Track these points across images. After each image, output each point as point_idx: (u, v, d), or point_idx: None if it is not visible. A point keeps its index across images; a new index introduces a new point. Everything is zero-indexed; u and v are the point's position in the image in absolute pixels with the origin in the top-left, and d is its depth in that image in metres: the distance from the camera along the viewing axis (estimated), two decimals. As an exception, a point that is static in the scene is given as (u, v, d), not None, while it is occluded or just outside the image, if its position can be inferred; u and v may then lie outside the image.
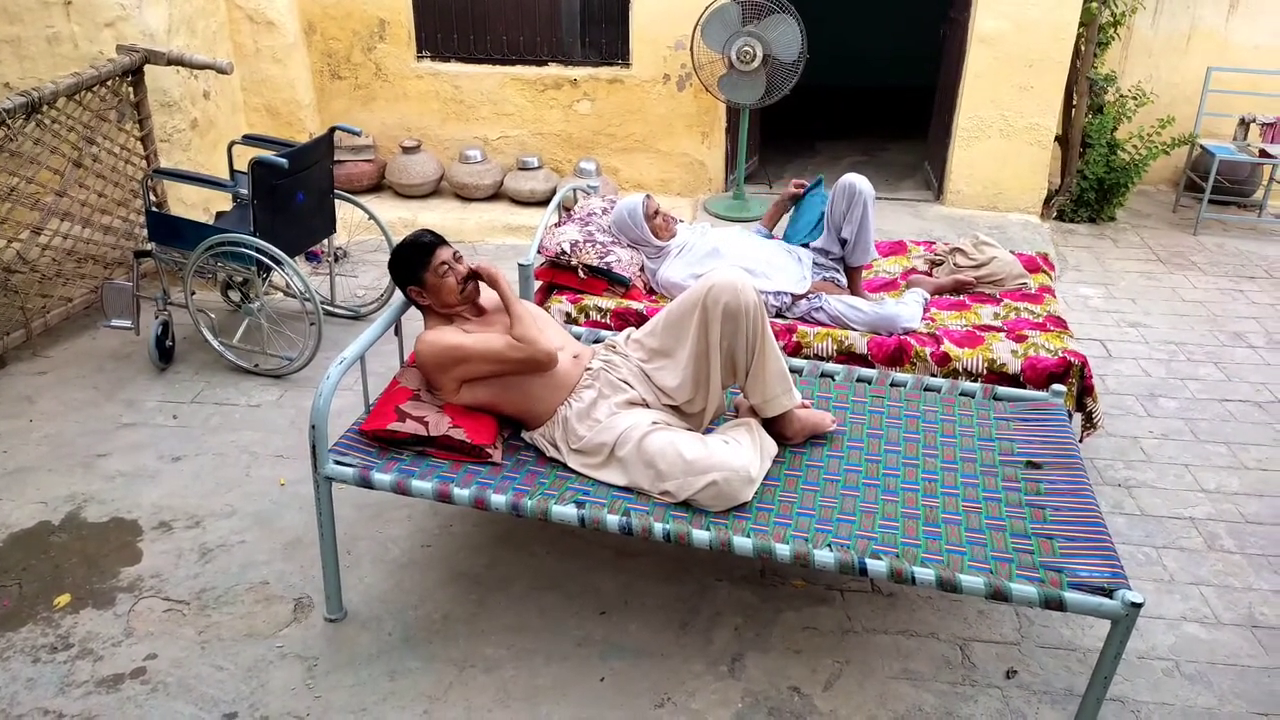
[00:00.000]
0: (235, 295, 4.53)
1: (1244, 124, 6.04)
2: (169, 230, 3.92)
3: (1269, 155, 5.85)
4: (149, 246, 4.02)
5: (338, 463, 2.51)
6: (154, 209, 4.05)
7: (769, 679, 2.54)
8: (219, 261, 3.88)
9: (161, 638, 2.63)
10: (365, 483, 2.47)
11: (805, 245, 3.83)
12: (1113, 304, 4.90)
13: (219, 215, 4.31)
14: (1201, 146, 5.99)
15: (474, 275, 2.74)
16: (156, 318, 4.02)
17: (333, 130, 4.17)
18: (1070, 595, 2.17)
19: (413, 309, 2.85)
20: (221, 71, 4.57)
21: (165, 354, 4.05)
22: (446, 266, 2.70)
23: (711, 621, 2.73)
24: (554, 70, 5.85)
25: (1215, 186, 5.84)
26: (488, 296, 2.84)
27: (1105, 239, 5.79)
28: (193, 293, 3.96)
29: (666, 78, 5.75)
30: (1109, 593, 2.18)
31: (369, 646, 2.61)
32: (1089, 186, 5.89)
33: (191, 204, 4.92)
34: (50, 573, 2.87)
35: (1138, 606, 2.12)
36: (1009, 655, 2.65)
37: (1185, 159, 6.29)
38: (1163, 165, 6.38)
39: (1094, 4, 5.45)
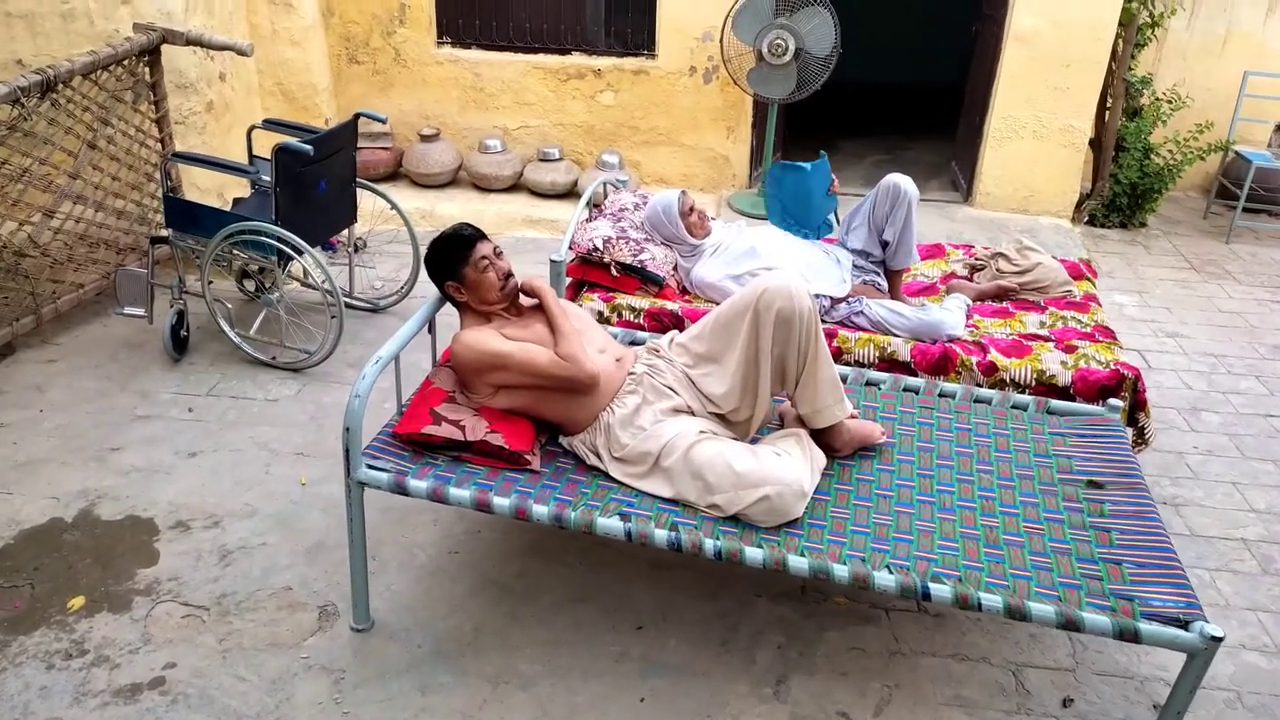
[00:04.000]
0: (251, 285, 4.41)
1: (1279, 130, 5.92)
2: (187, 216, 3.79)
3: (1304, 163, 5.73)
4: (165, 233, 3.89)
5: (370, 467, 2.39)
6: (170, 194, 3.92)
7: (816, 703, 2.43)
8: (238, 250, 3.76)
9: (181, 645, 2.51)
10: (400, 489, 2.35)
11: (843, 245, 3.71)
12: (1148, 312, 4.79)
13: (236, 202, 4.18)
14: (1236, 153, 5.87)
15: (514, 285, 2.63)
16: (171, 306, 3.90)
17: (357, 117, 4.05)
18: (1145, 626, 2.06)
19: (447, 305, 2.73)
20: (241, 53, 4.43)
21: (180, 344, 3.93)
22: (487, 262, 2.58)
23: (753, 640, 2.62)
24: (578, 59, 5.71)
25: (1248, 194, 5.72)
26: (525, 296, 2.72)
27: (1137, 245, 5.68)
28: (210, 281, 3.83)
29: (693, 70, 5.62)
30: (1184, 624, 2.08)
31: (398, 659, 2.50)
32: (1122, 191, 5.77)
33: (206, 189, 4.78)
34: (63, 573, 2.75)
35: (1217, 640, 2.02)
36: (1064, 682, 2.54)
37: (1218, 165, 6.17)
38: (1193, 171, 6.26)
39: (1134, 4, 5.32)
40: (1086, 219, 5.87)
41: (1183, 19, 6.04)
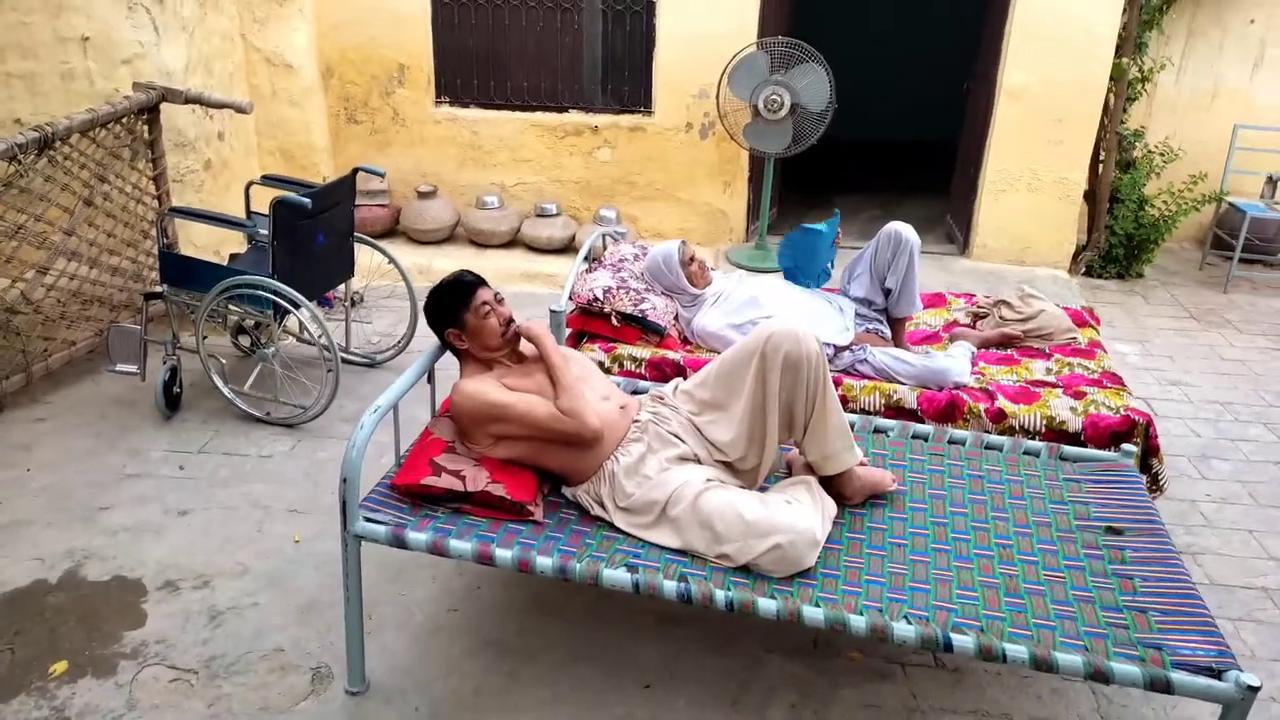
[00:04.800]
0: (246, 341, 4.36)
1: (1271, 182, 5.96)
2: (183, 271, 3.75)
3: (1297, 213, 5.77)
4: (160, 288, 3.85)
5: (368, 520, 2.31)
6: (166, 249, 3.88)
7: (833, 764, 2.32)
8: (234, 304, 3.71)
9: (168, 711, 2.40)
10: (399, 542, 2.27)
11: (845, 294, 3.69)
12: (1151, 361, 4.75)
13: (232, 258, 4.15)
14: (1230, 204, 5.91)
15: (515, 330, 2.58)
16: (165, 363, 3.84)
17: (355, 171, 4.04)
18: (1177, 676, 1.97)
19: (446, 356, 2.68)
20: (241, 110, 4.45)
21: (172, 401, 3.86)
22: (489, 308, 2.54)
23: (765, 698, 2.51)
24: (575, 117, 5.76)
25: (1243, 244, 5.73)
26: (527, 343, 2.67)
27: (1135, 295, 5.67)
28: (205, 337, 3.78)
29: (689, 126, 5.66)
30: (1217, 673, 1.99)
31: (394, 723, 2.39)
32: (1118, 243, 5.79)
33: (202, 246, 4.75)
34: (46, 637, 2.64)
35: (1254, 690, 1.93)
36: (1090, 739, 2.44)
37: (1212, 217, 6.20)
38: (1187, 223, 6.27)
39: (1124, 60, 5.40)
40: (1083, 270, 5.87)
41: (1171, 74, 6.13)
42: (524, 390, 2.49)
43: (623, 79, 5.71)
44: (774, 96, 5.07)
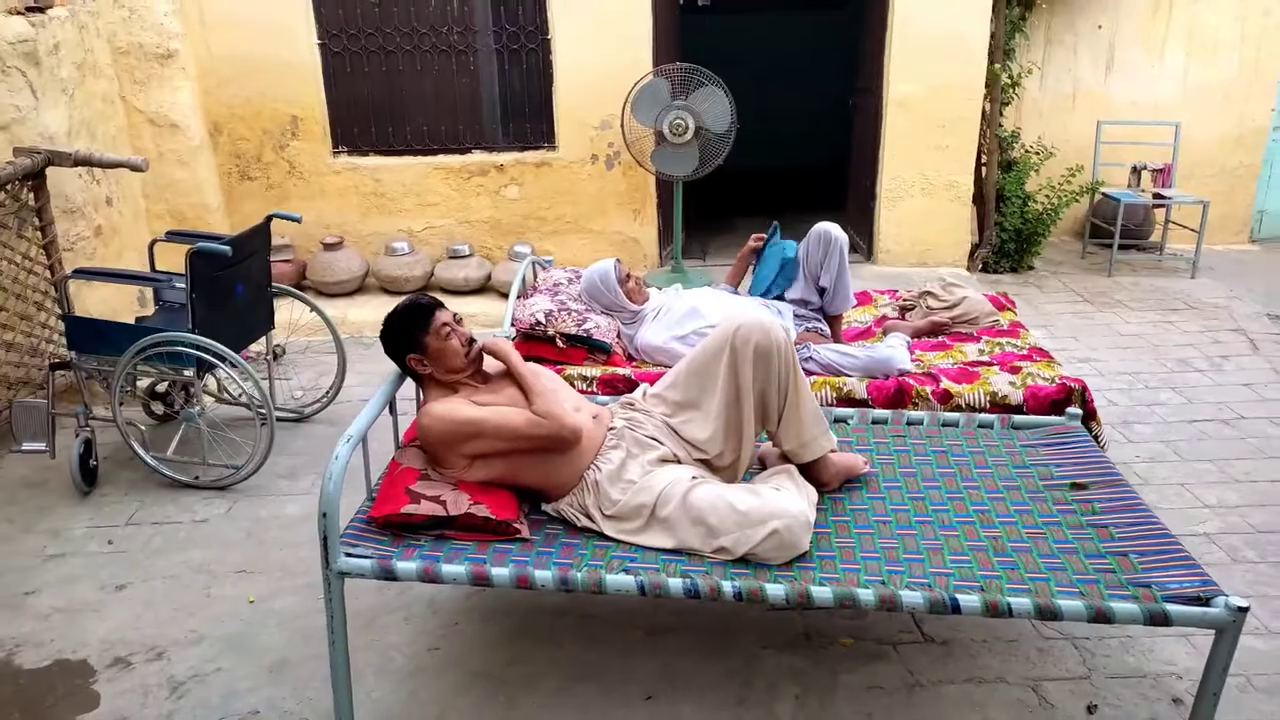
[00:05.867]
0: (160, 408, 4.13)
1: (1136, 171, 6.41)
2: (93, 335, 3.53)
3: (1163, 198, 6.21)
4: (68, 356, 3.61)
5: (350, 555, 2.20)
6: (71, 315, 3.65)
7: (849, 748, 2.31)
8: (152, 365, 3.51)
9: (141, 791, 2.21)
10: (387, 574, 2.17)
11: (780, 298, 3.76)
12: (1058, 342, 5.00)
13: (138, 321, 3.94)
14: (1104, 194, 6.31)
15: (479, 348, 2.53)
16: (77, 435, 3.59)
17: (269, 219, 3.90)
18: (1173, 608, 2.05)
19: (407, 385, 2.60)
20: (136, 169, 4.25)
21: (89, 475, 3.60)
22: (449, 329, 2.48)
23: (769, 693, 2.49)
24: (479, 157, 5.73)
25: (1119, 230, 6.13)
26: (490, 362, 2.61)
27: (1031, 286, 5.98)
28: (121, 403, 3.56)
29: (595, 158, 5.71)
30: (1205, 601, 2.08)
31: (394, 770, 2.26)
32: (1008, 238, 6.10)
33: (99, 315, 4.49)
34: (-13, 733, 2.40)
35: (1244, 611, 2.02)
36: (1083, 690, 2.50)
37: (1086, 209, 6.61)
38: (1063, 217, 6.68)
39: (996, 65, 5.74)
40: (980, 267, 6.15)
41: (1035, 79, 6.55)
42: (495, 405, 2.43)
43: (524, 116, 5.72)
44: (678, 121, 5.17)
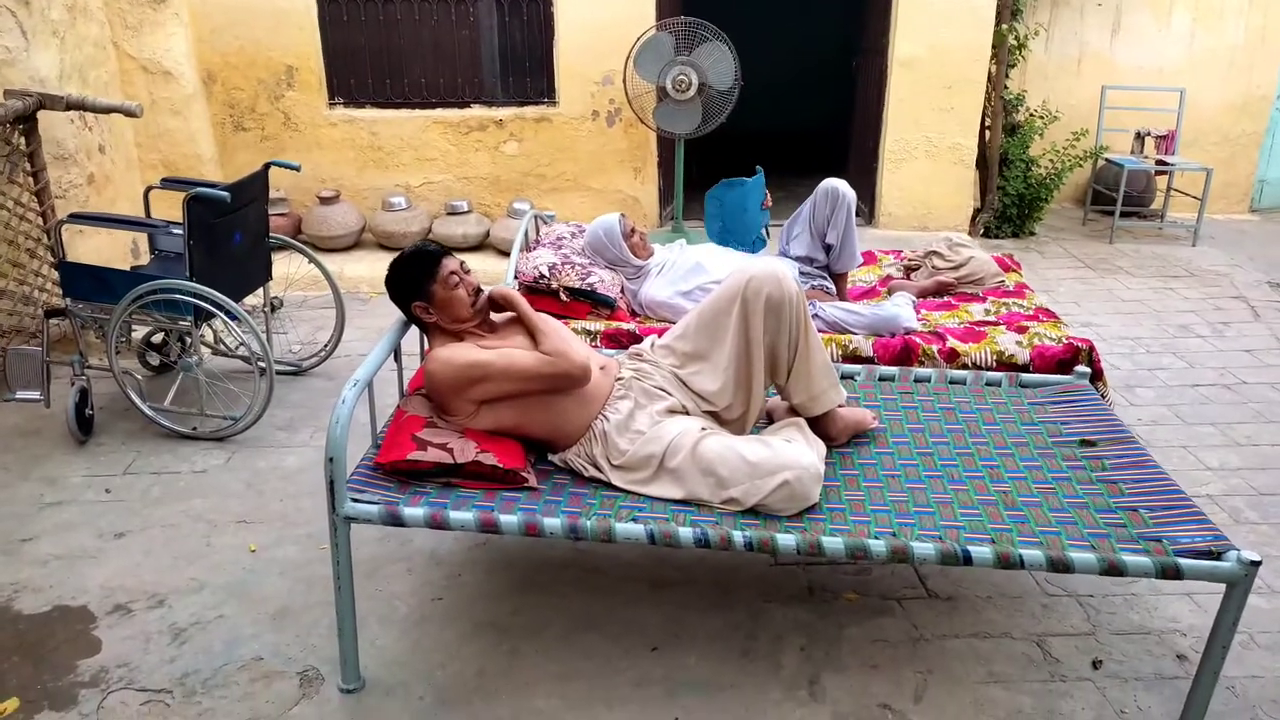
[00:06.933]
0: (155, 359, 4.08)
1: (1139, 138, 6.37)
2: (90, 282, 3.47)
3: (1166, 164, 6.17)
4: (63, 304, 3.55)
5: (356, 500, 2.17)
6: (66, 261, 3.59)
7: (854, 699, 2.31)
8: (149, 313, 3.46)
9: (145, 734, 2.19)
10: (394, 519, 2.14)
11: (785, 255, 3.72)
12: (1060, 307, 4.97)
13: (133, 270, 3.87)
14: (1107, 160, 6.27)
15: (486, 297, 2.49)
16: (73, 384, 3.54)
17: (267, 167, 3.83)
18: (1185, 562, 2.05)
19: (412, 332, 2.56)
20: (131, 114, 4.15)
21: (85, 424, 3.56)
22: (457, 277, 2.43)
23: (774, 645, 2.49)
24: (478, 112, 5.65)
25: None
26: (496, 311, 2.57)
27: (1032, 251, 5.95)
28: (117, 352, 3.51)
29: (595, 114, 5.63)
30: (1216, 555, 2.07)
31: (400, 715, 2.24)
32: (1011, 202, 6.06)
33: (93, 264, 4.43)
34: (-13, 676, 2.38)
35: (1256, 564, 2.02)
36: (1088, 646, 2.51)
37: (1088, 176, 6.57)
38: (1065, 183, 6.64)
39: (1004, 26, 5.67)
40: (982, 231, 6.12)
41: (1041, 42, 6.47)
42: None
43: (524, 70, 5.64)
44: (681, 76, 5.09)
